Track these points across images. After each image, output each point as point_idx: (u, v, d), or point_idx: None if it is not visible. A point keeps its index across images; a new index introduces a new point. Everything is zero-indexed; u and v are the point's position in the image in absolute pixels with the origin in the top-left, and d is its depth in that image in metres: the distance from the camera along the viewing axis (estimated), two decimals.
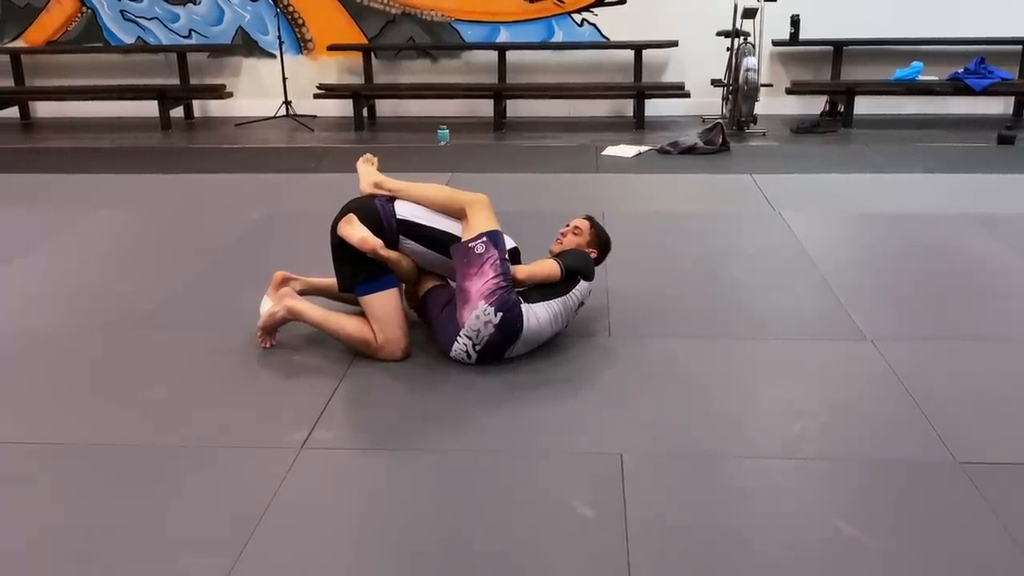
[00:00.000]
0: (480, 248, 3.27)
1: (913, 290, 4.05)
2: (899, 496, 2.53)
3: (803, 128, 7.78)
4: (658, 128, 7.94)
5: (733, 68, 7.69)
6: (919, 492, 2.54)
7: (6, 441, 2.87)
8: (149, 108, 8.42)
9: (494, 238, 3.31)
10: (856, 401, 3.06)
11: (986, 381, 3.19)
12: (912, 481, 2.59)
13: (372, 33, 8.52)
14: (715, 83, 8.05)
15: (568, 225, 3.72)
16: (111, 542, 2.36)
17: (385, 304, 3.35)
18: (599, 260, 3.68)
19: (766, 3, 7.52)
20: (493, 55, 8.36)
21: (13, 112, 8.73)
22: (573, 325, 3.57)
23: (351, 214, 3.36)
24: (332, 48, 8.41)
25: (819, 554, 2.28)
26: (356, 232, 3.29)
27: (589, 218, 3.76)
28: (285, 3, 8.48)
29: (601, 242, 3.70)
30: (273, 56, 8.49)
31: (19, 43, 8.72)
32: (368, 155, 3.70)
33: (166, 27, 8.62)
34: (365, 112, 8.34)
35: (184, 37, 8.64)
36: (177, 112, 8.63)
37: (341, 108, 8.51)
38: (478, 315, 3.21)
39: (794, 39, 8.03)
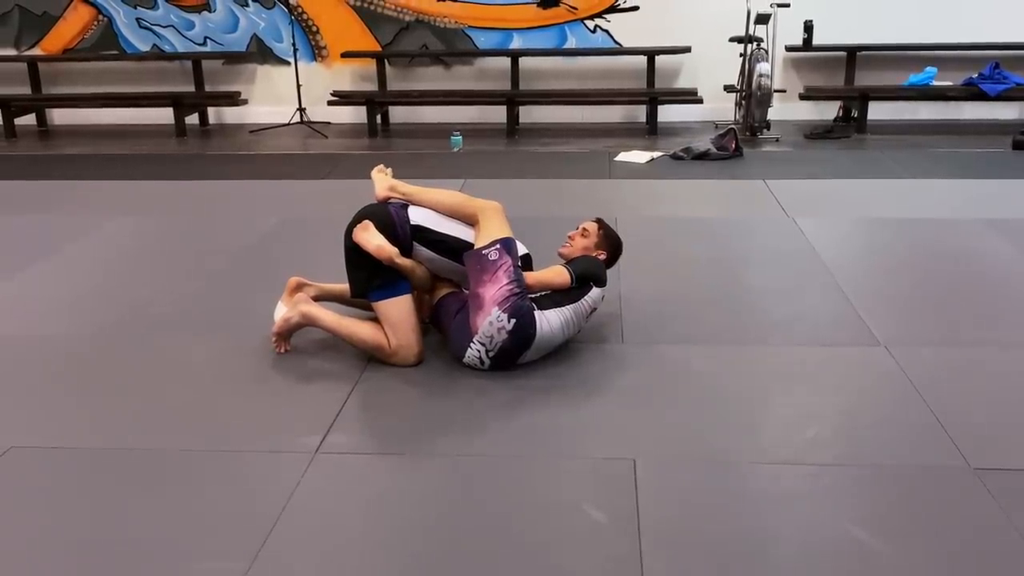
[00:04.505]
0: (494, 255, 3.28)
1: (927, 295, 4.04)
2: (912, 502, 2.52)
3: (816, 134, 7.77)
4: (671, 134, 7.94)
5: (746, 74, 7.69)
6: (933, 498, 2.54)
7: (23, 445, 2.89)
8: (164, 115, 8.48)
9: (507, 245, 3.32)
10: (869, 406, 3.05)
11: (1000, 386, 3.17)
12: (926, 487, 2.59)
13: (386, 40, 8.55)
14: (728, 89, 8.05)
15: (577, 228, 3.72)
16: (125, 545, 2.38)
17: (399, 310, 3.37)
18: (610, 262, 3.67)
19: (779, 9, 7.52)
20: (506, 61, 8.38)
21: (30, 119, 8.79)
22: (586, 331, 3.58)
23: (367, 220, 3.38)
24: (346, 55, 8.45)
25: (832, 559, 2.28)
26: (372, 239, 3.30)
27: (598, 220, 3.76)
28: (299, 11, 8.53)
29: (610, 243, 3.69)
30: (287, 63, 8.53)
31: (36, 51, 8.79)
32: (381, 165, 3.73)
33: (181, 35, 8.67)
34: (379, 118, 8.37)
35: (199, 45, 8.69)
36: (192, 119, 8.68)
37: (355, 115, 8.55)
38: (491, 321, 3.22)
39: (807, 45, 8.01)
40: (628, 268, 4.21)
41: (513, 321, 3.21)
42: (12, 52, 8.80)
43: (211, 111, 8.90)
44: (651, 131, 8.04)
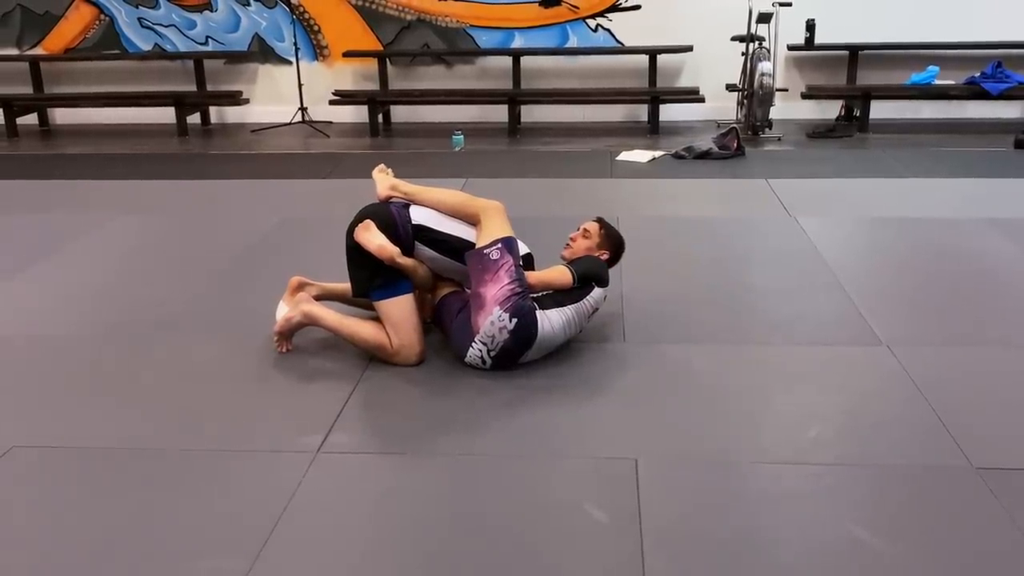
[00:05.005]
0: (495, 254, 3.28)
1: (929, 294, 4.04)
2: (915, 501, 2.52)
3: (819, 133, 7.76)
4: (673, 133, 7.94)
5: (748, 73, 7.68)
6: (935, 497, 2.53)
7: (26, 444, 2.89)
8: (166, 114, 8.48)
9: (509, 244, 3.32)
10: (871, 406, 3.05)
11: (1002, 386, 3.17)
12: (928, 486, 2.58)
13: (387, 39, 8.55)
14: (730, 88, 8.04)
15: (578, 229, 3.71)
16: (127, 545, 2.38)
17: (400, 309, 3.36)
18: (612, 261, 3.66)
19: (781, 8, 7.51)
20: (508, 61, 8.37)
21: (32, 119, 8.79)
22: (588, 330, 3.58)
23: (369, 220, 3.38)
24: (348, 54, 8.45)
25: (834, 559, 2.28)
26: (374, 239, 3.30)
27: (599, 220, 3.75)
28: (301, 10, 8.53)
29: (612, 243, 3.68)
30: (289, 63, 8.53)
31: (38, 51, 8.79)
32: (382, 165, 3.73)
33: (183, 34, 8.68)
34: (380, 118, 8.37)
35: (201, 44, 8.69)
36: (194, 118, 8.68)
37: (356, 114, 8.55)
38: (493, 321, 3.22)
39: (809, 44, 8.00)
40: (630, 268, 4.21)
41: (515, 320, 3.21)
42: (14, 52, 8.80)
43: (213, 110, 8.90)
44: (653, 130, 8.04)
